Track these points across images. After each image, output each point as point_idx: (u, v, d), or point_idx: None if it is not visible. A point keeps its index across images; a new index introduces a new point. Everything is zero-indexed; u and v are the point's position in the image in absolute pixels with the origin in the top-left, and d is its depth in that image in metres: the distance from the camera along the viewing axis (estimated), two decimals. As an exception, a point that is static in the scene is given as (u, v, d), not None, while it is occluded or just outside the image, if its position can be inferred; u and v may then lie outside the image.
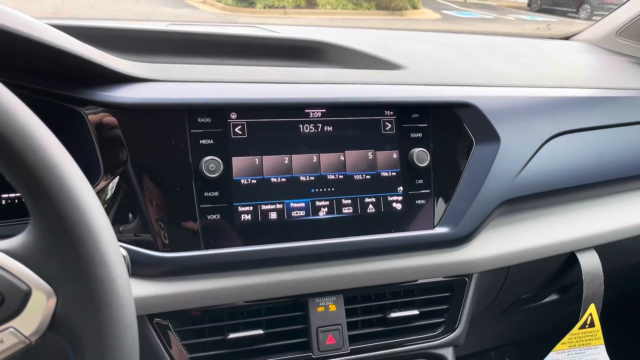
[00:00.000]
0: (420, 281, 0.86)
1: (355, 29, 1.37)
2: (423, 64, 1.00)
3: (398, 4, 10.94)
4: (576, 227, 0.98)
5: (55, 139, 0.43)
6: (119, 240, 0.70)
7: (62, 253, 0.41)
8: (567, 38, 1.54)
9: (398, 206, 0.83)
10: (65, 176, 0.41)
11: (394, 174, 0.83)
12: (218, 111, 0.75)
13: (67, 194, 0.40)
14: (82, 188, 0.42)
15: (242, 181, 0.76)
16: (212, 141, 0.74)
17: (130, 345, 0.42)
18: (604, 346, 1.03)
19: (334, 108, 0.80)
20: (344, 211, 0.80)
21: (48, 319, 0.41)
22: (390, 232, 0.82)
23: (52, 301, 0.41)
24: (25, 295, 0.41)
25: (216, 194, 0.74)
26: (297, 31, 1.17)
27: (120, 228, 0.72)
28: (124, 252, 0.52)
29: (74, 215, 0.40)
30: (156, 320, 0.74)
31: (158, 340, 0.75)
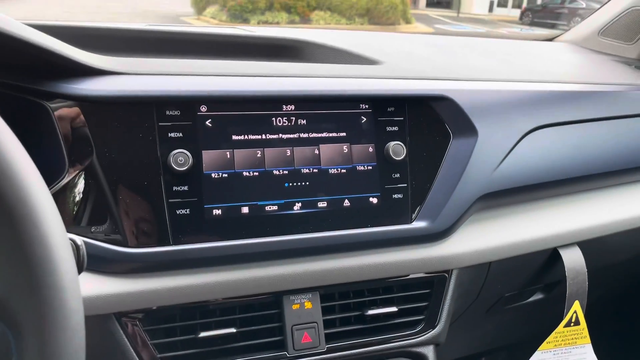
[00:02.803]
0: (398, 277, 0.84)
1: (335, 30, 1.36)
2: (400, 60, 0.99)
3: (391, 19, 11.06)
4: (558, 222, 0.96)
5: None
6: (86, 237, 0.69)
7: (0, 233, 0.39)
8: (551, 40, 1.54)
9: (374, 200, 0.81)
10: (3, 152, 0.39)
11: (369, 167, 0.81)
12: (187, 104, 0.73)
13: (4, 171, 0.39)
14: (22, 165, 0.40)
15: (213, 175, 0.74)
16: (181, 134, 0.73)
17: (72, 329, 0.40)
18: (590, 345, 1.01)
19: (307, 101, 0.79)
20: (318, 205, 0.78)
21: None
22: (366, 226, 0.80)
23: (-10, 283, 0.40)
24: None
25: (185, 188, 0.73)
26: (276, 31, 1.16)
27: (87, 223, 0.70)
28: (79, 241, 0.50)
29: (13, 193, 0.39)
30: (124, 319, 0.72)
31: (126, 340, 0.72)
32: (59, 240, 0.41)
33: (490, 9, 21.13)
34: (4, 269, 0.40)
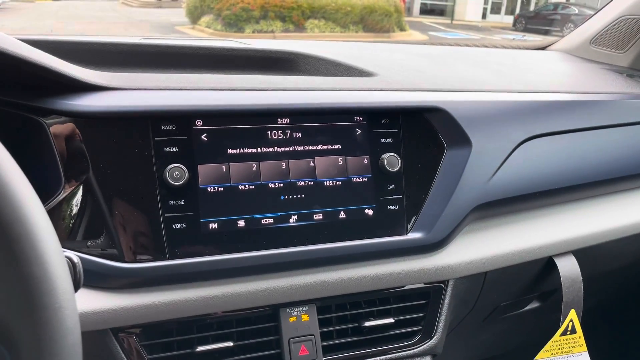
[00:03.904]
0: (395, 289, 0.85)
1: (329, 41, 1.37)
2: (394, 71, 1.00)
3: (385, 26, 11.11)
4: (552, 231, 0.97)
5: None
6: (82, 252, 0.69)
7: None
8: (543, 48, 1.55)
9: (370, 212, 0.81)
10: (1, 172, 0.39)
11: (365, 179, 0.82)
12: (183, 118, 0.74)
13: (1, 190, 0.39)
14: (17, 184, 0.40)
15: (209, 189, 0.74)
16: (176, 149, 0.73)
17: (70, 349, 0.40)
18: (587, 353, 1.01)
19: (302, 114, 0.80)
20: (314, 218, 0.79)
21: None
22: (362, 238, 0.80)
23: (-13, 304, 0.40)
24: None
25: (181, 202, 0.73)
26: (271, 44, 1.17)
27: (83, 238, 0.70)
28: (76, 259, 0.50)
29: (8, 212, 0.39)
30: (121, 334, 0.72)
31: (123, 355, 0.72)
32: (55, 259, 0.41)
33: (484, 16, 21.27)
34: (0, 289, 0.40)
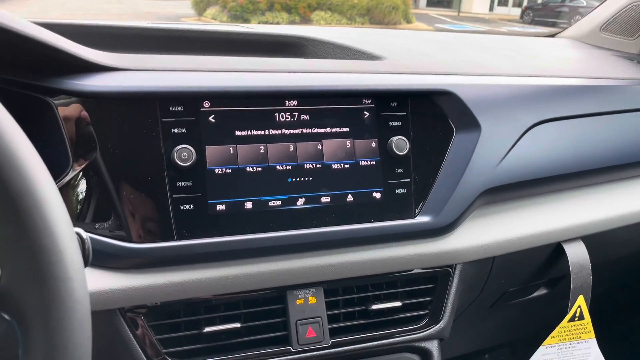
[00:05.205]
0: (402, 272, 0.84)
1: (337, 27, 1.36)
2: (403, 55, 0.99)
3: (392, 18, 11.06)
4: (561, 217, 0.96)
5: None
6: (90, 232, 0.69)
7: (6, 224, 0.39)
8: (552, 36, 1.54)
9: (377, 195, 0.81)
10: (10, 143, 0.39)
11: (372, 162, 0.81)
12: (191, 99, 0.73)
13: (11, 162, 0.39)
14: (28, 157, 0.40)
15: (216, 170, 0.74)
16: (184, 130, 0.73)
17: (79, 320, 0.40)
18: (595, 340, 1.01)
19: (310, 96, 0.79)
20: (322, 201, 0.79)
21: None
22: (370, 221, 0.80)
23: (-3, 275, 0.40)
24: None
25: (189, 183, 0.73)
26: (279, 29, 1.17)
27: (91, 220, 0.70)
28: (85, 234, 0.50)
29: (18, 184, 0.39)
30: (129, 314, 0.72)
31: (131, 335, 0.72)
32: (65, 231, 0.41)
33: (491, 8, 21.13)
34: (10, 260, 0.40)
